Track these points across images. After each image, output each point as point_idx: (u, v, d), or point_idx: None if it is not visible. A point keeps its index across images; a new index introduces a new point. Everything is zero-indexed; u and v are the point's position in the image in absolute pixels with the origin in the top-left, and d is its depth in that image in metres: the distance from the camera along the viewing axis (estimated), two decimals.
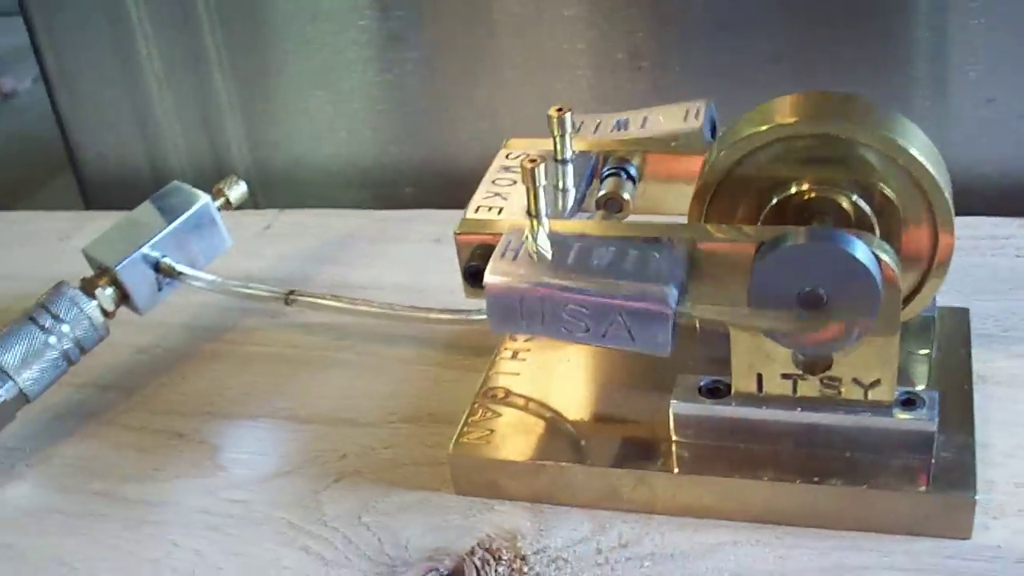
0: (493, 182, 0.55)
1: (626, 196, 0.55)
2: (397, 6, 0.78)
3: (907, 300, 0.52)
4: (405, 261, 0.73)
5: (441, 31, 0.79)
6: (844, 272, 0.47)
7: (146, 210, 0.65)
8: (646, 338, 0.49)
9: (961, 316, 0.58)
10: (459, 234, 0.52)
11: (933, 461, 0.51)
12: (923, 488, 0.50)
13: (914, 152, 0.49)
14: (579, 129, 0.58)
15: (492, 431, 0.56)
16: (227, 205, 0.67)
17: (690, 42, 0.75)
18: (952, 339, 0.57)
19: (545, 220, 0.50)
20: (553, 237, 0.50)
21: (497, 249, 0.50)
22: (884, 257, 0.47)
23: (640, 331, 0.48)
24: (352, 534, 0.54)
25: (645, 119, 0.58)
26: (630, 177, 0.56)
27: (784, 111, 0.51)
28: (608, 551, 0.52)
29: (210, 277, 0.64)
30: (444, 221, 0.75)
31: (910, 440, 0.51)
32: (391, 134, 0.83)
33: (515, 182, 0.55)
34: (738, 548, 0.51)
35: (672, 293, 0.48)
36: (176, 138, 0.87)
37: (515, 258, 0.50)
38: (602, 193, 0.55)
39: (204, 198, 0.65)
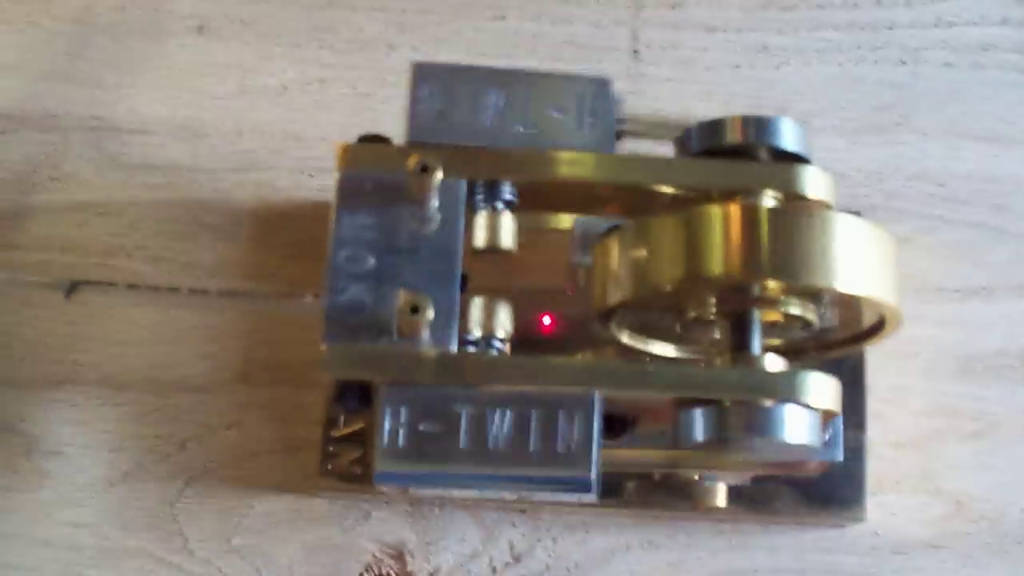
0: (343, 256, 0.43)
1: (506, 240, 0.44)
2: None
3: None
4: (165, 77, 0.56)
5: None
6: (786, 452, 0.42)
7: None
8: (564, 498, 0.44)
9: None
10: (326, 373, 0.42)
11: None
12: (816, 508, 0.50)
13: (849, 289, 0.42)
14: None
15: (360, 448, 0.50)
16: None
17: None
18: None
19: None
20: (436, 399, 0.42)
21: (379, 431, 0.41)
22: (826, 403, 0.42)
23: (558, 495, 0.44)
24: (227, 565, 0.51)
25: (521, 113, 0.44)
26: (508, 204, 0.44)
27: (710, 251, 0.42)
28: (502, 568, 0.51)
29: None
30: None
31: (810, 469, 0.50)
32: None
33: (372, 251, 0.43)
34: (630, 554, 0.51)
35: (592, 479, 0.42)
36: None
37: (404, 443, 0.42)
38: (479, 243, 0.44)
39: None
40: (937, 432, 0.52)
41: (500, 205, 0.45)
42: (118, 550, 0.51)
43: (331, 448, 0.50)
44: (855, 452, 0.50)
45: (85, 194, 0.54)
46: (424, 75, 0.45)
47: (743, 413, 0.41)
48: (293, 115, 0.56)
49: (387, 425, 0.41)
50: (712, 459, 0.44)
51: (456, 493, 0.44)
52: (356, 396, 0.43)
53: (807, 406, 0.42)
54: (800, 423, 0.41)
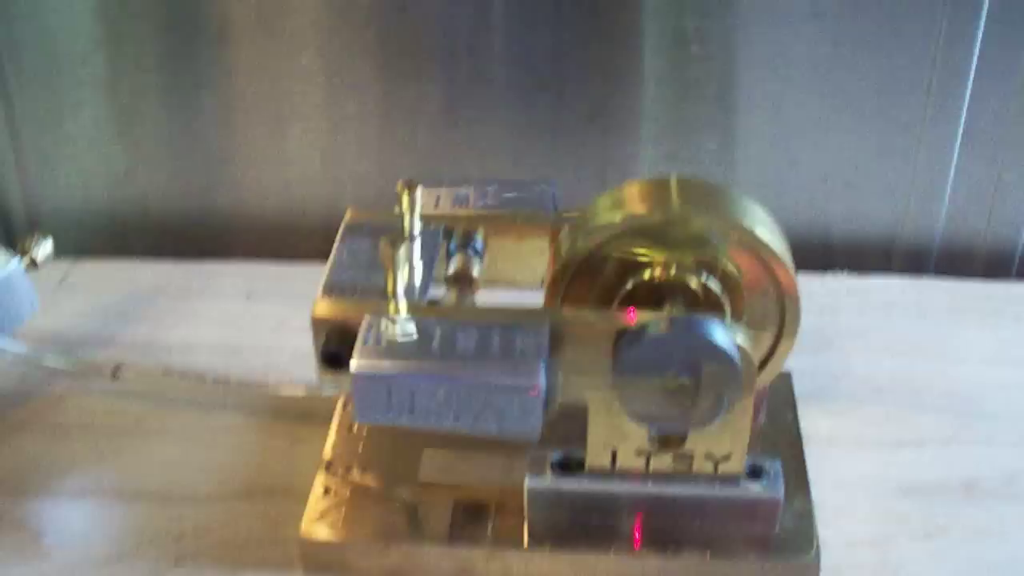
0: (342, 258, 0.54)
1: (475, 273, 0.55)
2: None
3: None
4: (216, 318, 0.70)
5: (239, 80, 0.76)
6: (706, 358, 0.49)
7: None
8: (516, 420, 0.49)
9: (785, 379, 0.61)
10: (316, 317, 0.51)
11: (777, 528, 0.54)
12: (769, 556, 0.53)
13: (760, 234, 0.51)
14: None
15: (341, 510, 0.55)
16: (31, 266, 0.63)
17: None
18: (778, 402, 0.60)
19: (403, 303, 0.49)
20: (416, 321, 0.50)
21: (360, 337, 0.49)
22: (741, 341, 0.49)
23: (510, 413, 0.49)
24: None
25: (486, 192, 0.58)
26: (476, 252, 0.56)
27: (635, 199, 0.53)
28: None
29: (22, 349, 0.60)
30: (252, 275, 0.73)
31: (757, 509, 0.53)
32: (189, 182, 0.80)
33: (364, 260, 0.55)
34: None
35: (540, 370, 0.48)
36: None
37: (379, 344, 0.49)
38: (452, 271, 0.55)
39: (13, 263, 0.61)
40: None
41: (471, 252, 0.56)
42: None
43: (314, 508, 0.55)
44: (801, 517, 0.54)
45: None
46: None
47: (669, 322, 0.48)
48: None
49: (367, 328, 0.49)
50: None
51: (420, 404, 0.48)
52: (338, 342, 0.50)
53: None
54: (722, 334, 0.48)
